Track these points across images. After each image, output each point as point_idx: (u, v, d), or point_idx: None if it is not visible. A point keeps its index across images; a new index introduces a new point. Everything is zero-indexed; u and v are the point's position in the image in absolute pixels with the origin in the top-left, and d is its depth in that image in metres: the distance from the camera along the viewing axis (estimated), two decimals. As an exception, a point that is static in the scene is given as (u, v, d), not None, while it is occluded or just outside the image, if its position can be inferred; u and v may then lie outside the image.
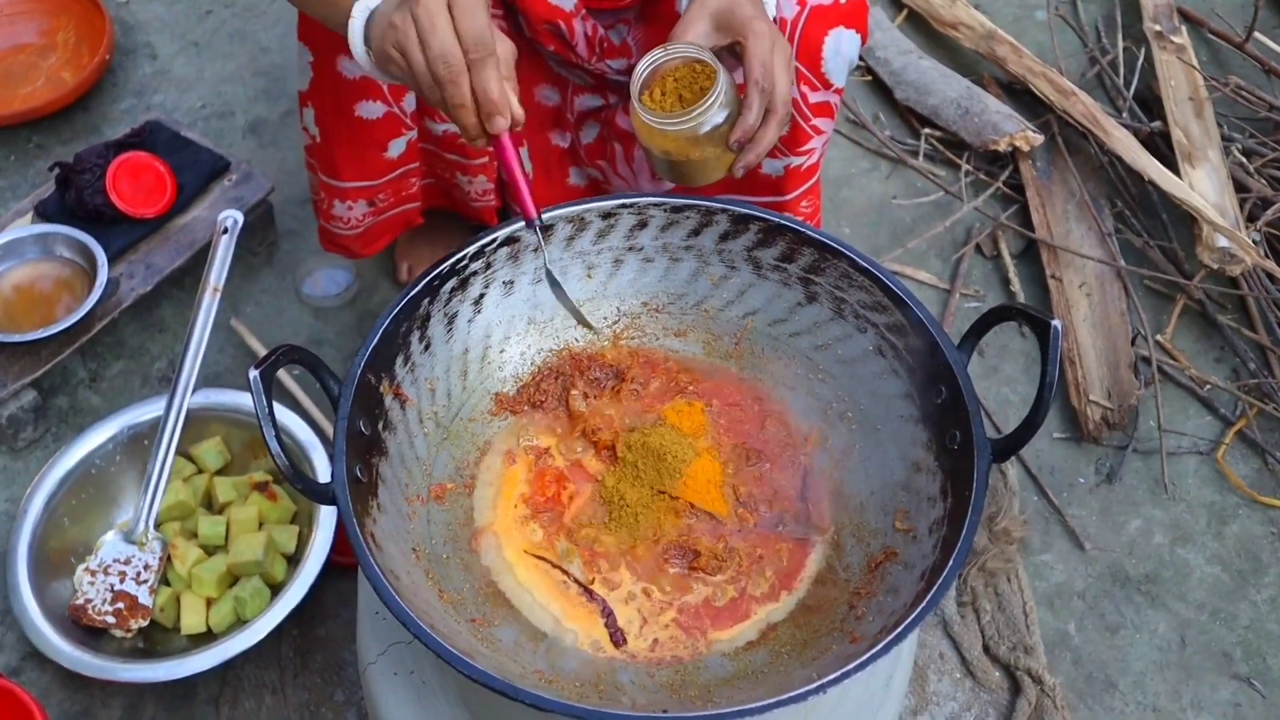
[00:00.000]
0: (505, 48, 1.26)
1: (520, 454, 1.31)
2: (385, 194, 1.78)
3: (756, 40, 1.33)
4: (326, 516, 1.72)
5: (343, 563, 1.75)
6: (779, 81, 1.33)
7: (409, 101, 1.66)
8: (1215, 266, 2.11)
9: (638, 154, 1.73)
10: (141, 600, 1.68)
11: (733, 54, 1.38)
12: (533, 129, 1.80)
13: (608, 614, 1.20)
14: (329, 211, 1.80)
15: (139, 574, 1.70)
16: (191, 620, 1.69)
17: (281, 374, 1.98)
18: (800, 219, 1.72)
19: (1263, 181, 2.27)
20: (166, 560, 1.73)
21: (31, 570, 1.68)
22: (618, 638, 1.18)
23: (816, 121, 1.60)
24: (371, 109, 1.64)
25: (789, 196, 1.69)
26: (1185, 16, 2.61)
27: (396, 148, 1.71)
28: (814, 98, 1.57)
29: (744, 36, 1.34)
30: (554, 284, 1.34)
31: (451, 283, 1.29)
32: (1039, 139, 2.34)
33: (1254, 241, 2.15)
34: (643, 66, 1.36)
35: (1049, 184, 2.34)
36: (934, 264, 2.27)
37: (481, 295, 1.33)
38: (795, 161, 1.64)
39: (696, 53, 1.34)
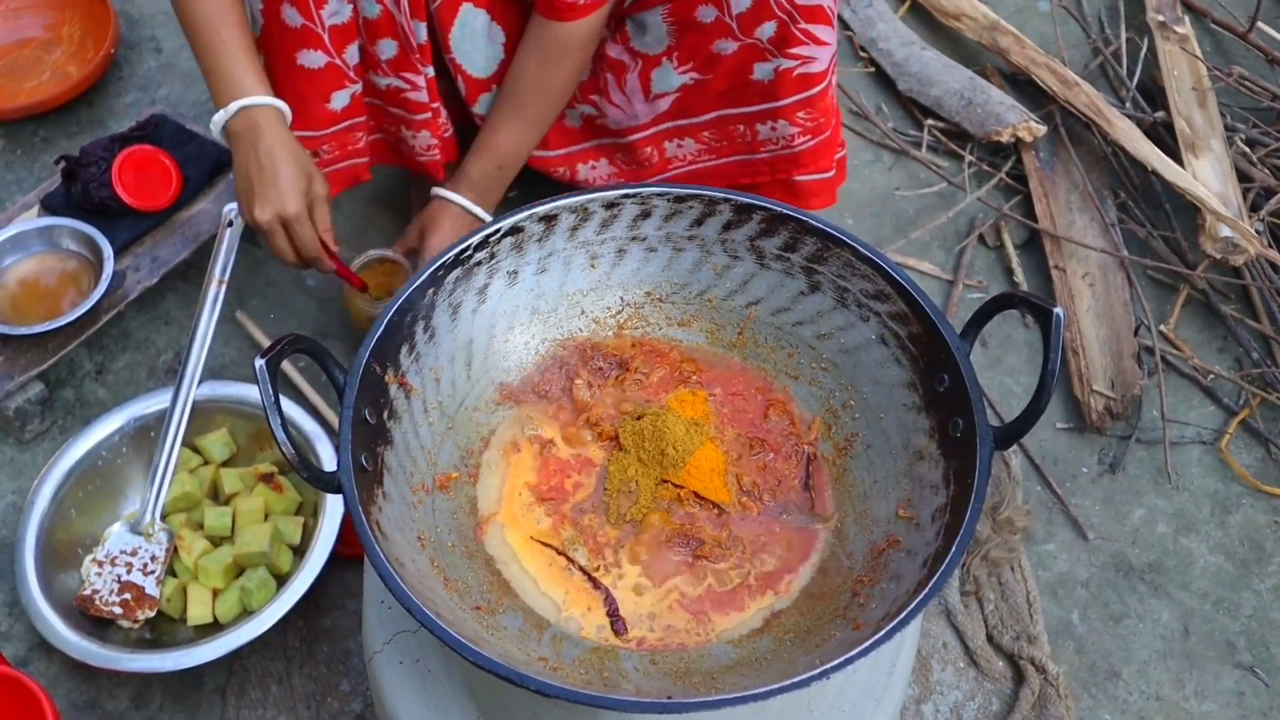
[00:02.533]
0: (321, 185, 1.69)
1: (524, 443, 1.32)
2: (330, 145, 1.81)
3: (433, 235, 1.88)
4: (332, 507, 1.73)
5: (348, 554, 1.75)
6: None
7: (351, 54, 1.70)
8: (1218, 256, 2.11)
9: (629, 79, 1.75)
10: (148, 591, 1.69)
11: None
12: None
13: (610, 602, 1.20)
14: None
15: (146, 565, 1.71)
16: (198, 611, 1.70)
17: (286, 367, 1.99)
18: (799, 129, 1.72)
19: (1266, 171, 2.27)
20: (173, 551, 1.74)
21: (39, 561, 1.69)
22: (619, 626, 1.18)
23: (808, 27, 1.60)
24: (312, 58, 1.67)
25: (784, 103, 1.70)
26: (1188, 6, 2.61)
27: (340, 100, 1.74)
28: (806, 0, 1.58)
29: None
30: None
31: (456, 272, 1.30)
32: (1042, 130, 2.34)
33: (1257, 231, 2.15)
34: (358, 262, 1.96)
35: (1052, 174, 2.34)
36: (937, 255, 2.27)
37: (486, 285, 1.33)
38: (785, 64, 1.64)
39: (393, 255, 1.96)
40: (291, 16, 1.63)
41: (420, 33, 1.69)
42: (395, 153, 1.95)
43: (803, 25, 1.59)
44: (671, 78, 1.71)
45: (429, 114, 1.80)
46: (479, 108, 1.86)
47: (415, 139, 1.85)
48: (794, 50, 1.62)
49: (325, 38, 1.65)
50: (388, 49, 1.70)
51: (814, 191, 1.85)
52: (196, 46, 1.64)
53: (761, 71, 1.66)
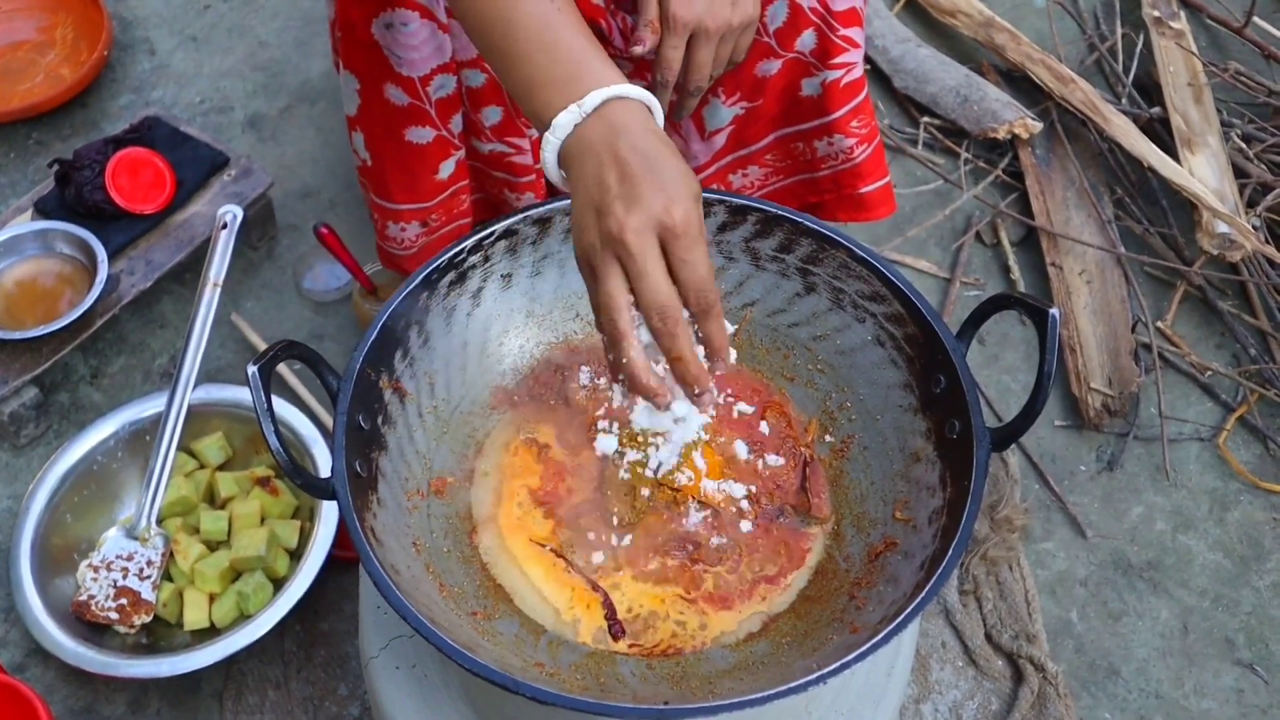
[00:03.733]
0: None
1: (520, 447, 1.31)
2: (438, 214, 1.76)
3: None
4: (328, 511, 1.72)
5: (344, 557, 1.75)
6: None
7: (455, 123, 1.64)
8: (1215, 252, 2.11)
9: (684, 122, 1.73)
10: (144, 596, 1.69)
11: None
12: None
13: (608, 606, 1.20)
14: (383, 233, 1.79)
15: (142, 570, 1.70)
16: (194, 615, 1.69)
17: (283, 368, 1.99)
18: (855, 139, 1.70)
19: (1262, 167, 2.26)
20: (169, 556, 1.73)
21: (34, 567, 1.68)
22: (616, 630, 1.18)
23: (845, 32, 1.58)
24: (421, 134, 1.62)
25: (836, 115, 1.67)
26: (1184, 2, 2.61)
27: (446, 169, 1.68)
28: (838, 5, 1.56)
29: None
30: None
31: (450, 276, 1.29)
32: (1038, 126, 2.33)
33: (1254, 227, 2.15)
34: (373, 268, 1.99)
35: (1048, 171, 2.33)
36: (934, 252, 2.27)
37: (480, 289, 1.33)
38: (831, 76, 1.62)
39: None
40: (397, 96, 1.57)
41: None
42: (496, 212, 1.88)
43: (841, 32, 1.58)
44: (722, 112, 1.69)
45: (533, 176, 1.75)
46: None
47: (519, 201, 1.79)
48: (837, 60, 1.60)
49: (432, 113, 1.61)
50: (492, 115, 1.65)
51: (878, 201, 1.80)
52: (516, 43, 1.19)
53: (809, 87, 1.64)
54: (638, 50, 1.42)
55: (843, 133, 1.69)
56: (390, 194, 1.71)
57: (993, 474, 1.95)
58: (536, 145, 1.72)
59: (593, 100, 1.11)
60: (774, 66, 1.62)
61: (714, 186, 1.81)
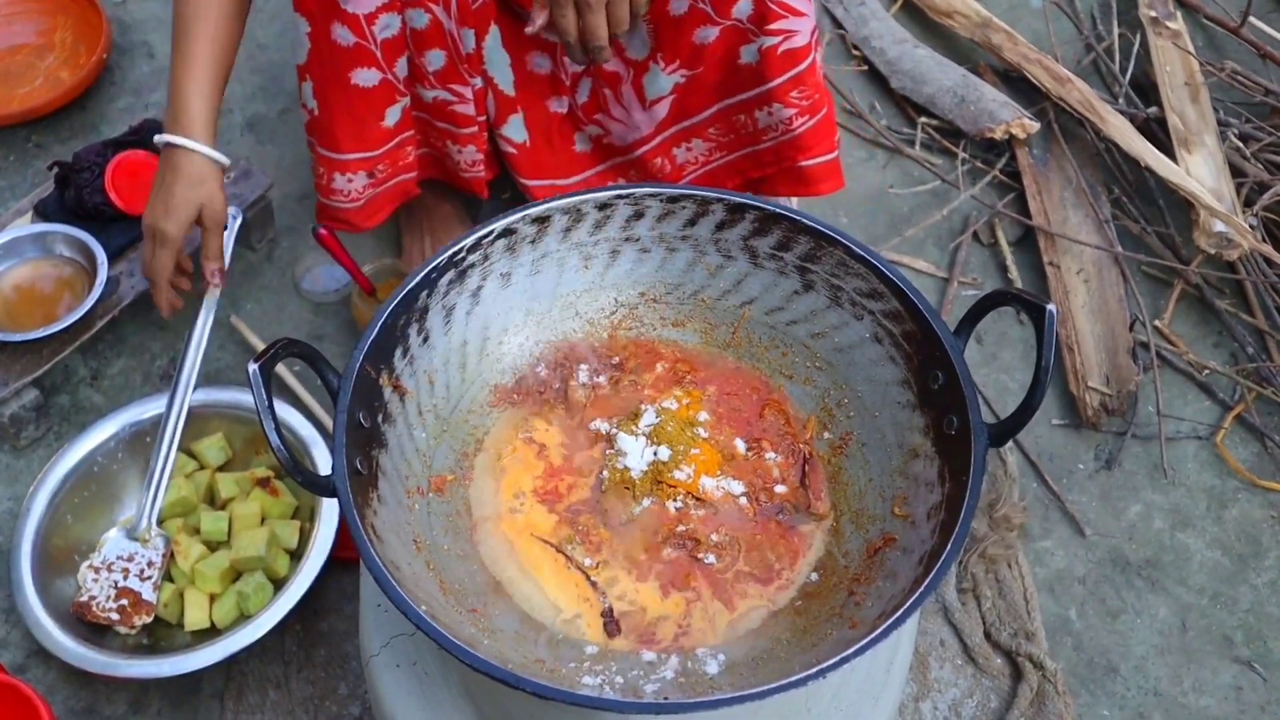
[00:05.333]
0: (213, 214, 1.69)
1: (519, 445, 1.32)
2: (384, 164, 1.78)
3: None
4: (328, 511, 1.72)
5: (344, 557, 1.75)
6: None
7: (400, 67, 1.67)
8: (1212, 251, 2.12)
9: (625, 91, 1.75)
10: (145, 596, 1.69)
11: None
12: (530, 98, 1.80)
13: (605, 603, 1.20)
14: (329, 186, 1.81)
15: (142, 570, 1.71)
16: (195, 616, 1.70)
17: (282, 371, 1.99)
18: (794, 110, 1.71)
19: (1259, 166, 2.27)
20: (169, 556, 1.74)
21: (35, 568, 1.69)
22: (612, 628, 1.18)
23: None
24: (367, 76, 1.65)
25: (774, 83, 1.68)
26: (1180, 2, 2.61)
27: (392, 115, 1.72)
28: None
29: None
30: None
31: (449, 275, 1.30)
32: (1035, 126, 2.34)
33: (1251, 226, 2.15)
34: (370, 268, 2.07)
35: (1046, 171, 2.34)
36: (932, 252, 2.27)
37: (479, 287, 1.33)
38: (769, 42, 1.63)
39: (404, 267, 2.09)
40: (344, 36, 1.60)
41: (469, 40, 1.67)
42: (440, 168, 1.92)
43: None
44: (661, 79, 1.70)
45: (475, 128, 1.77)
46: (507, 129, 1.83)
47: (461, 154, 1.82)
48: (774, 26, 1.61)
49: (378, 54, 1.63)
50: (435, 60, 1.68)
51: (821, 176, 1.81)
52: (172, 44, 1.65)
53: (747, 54, 1.65)
54: (529, 31, 1.49)
55: (781, 102, 1.70)
56: (337, 143, 1.73)
57: (991, 472, 1.95)
58: (481, 95, 1.75)
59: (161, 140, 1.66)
60: (711, 34, 1.63)
61: (657, 160, 1.82)
